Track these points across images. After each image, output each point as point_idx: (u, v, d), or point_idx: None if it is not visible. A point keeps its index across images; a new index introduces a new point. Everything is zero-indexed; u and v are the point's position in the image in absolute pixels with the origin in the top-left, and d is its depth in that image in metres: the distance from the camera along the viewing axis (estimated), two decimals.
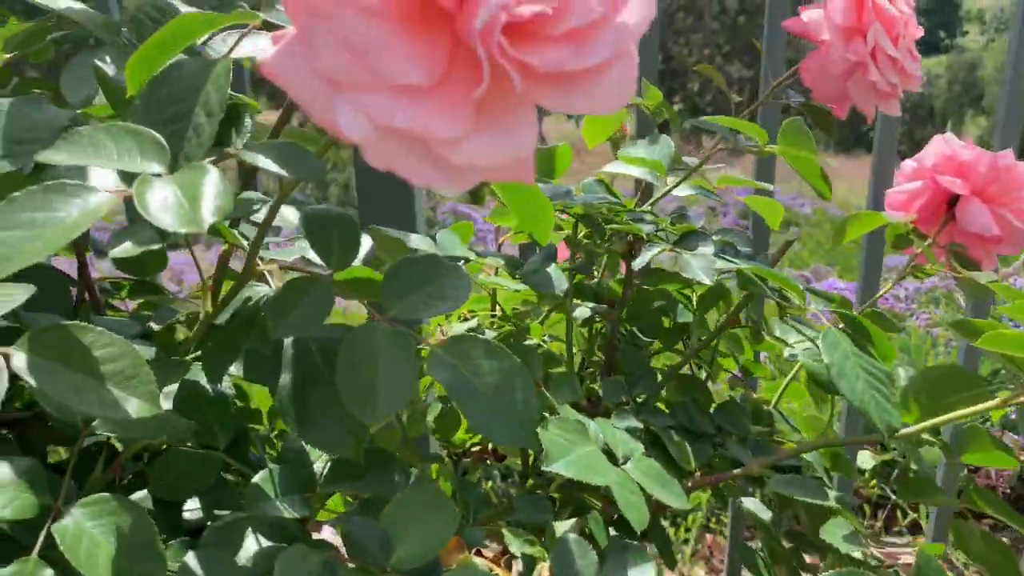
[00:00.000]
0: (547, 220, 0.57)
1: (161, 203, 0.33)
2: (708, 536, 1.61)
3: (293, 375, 0.44)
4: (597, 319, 0.75)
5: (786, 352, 0.71)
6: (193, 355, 0.49)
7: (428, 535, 0.42)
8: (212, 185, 0.34)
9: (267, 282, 0.47)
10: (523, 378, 0.42)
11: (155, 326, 0.56)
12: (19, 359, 0.34)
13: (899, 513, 1.69)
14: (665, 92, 0.76)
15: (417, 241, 0.60)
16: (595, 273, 0.72)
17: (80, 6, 0.56)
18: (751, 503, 0.64)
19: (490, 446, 0.86)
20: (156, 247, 0.48)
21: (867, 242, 1.08)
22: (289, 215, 0.49)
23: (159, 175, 0.35)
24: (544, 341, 0.76)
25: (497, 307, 0.77)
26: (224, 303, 0.46)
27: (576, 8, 0.28)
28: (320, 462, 0.51)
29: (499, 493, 0.79)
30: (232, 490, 0.52)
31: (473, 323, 0.73)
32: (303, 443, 0.49)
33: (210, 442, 0.49)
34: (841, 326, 0.57)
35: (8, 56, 0.61)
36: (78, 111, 0.47)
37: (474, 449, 0.85)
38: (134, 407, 0.35)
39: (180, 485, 0.47)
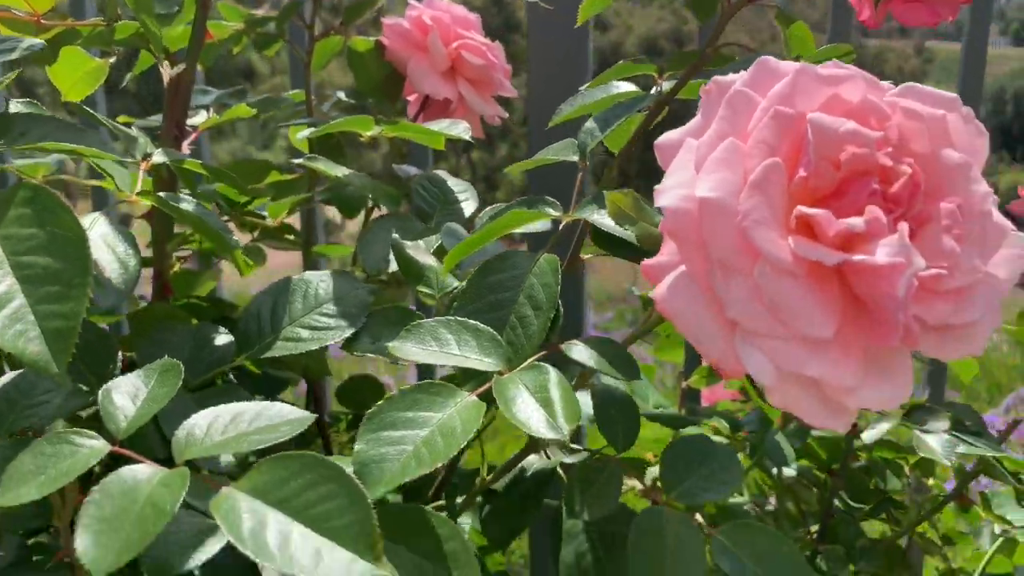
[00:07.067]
0: None
1: (523, 407, 0.35)
2: None
3: (575, 551, 0.45)
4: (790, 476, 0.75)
5: (997, 528, 0.70)
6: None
7: None
8: (557, 389, 0.37)
9: (544, 454, 0.49)
10: (803, 568, 0.43)
11: None
12: None
13: None
14: None
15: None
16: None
17: (360, 175, 0.61)
18: None
19: None
20: None
21: None
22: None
23: (500, 372, 0.38)
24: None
25: None
26: (502, 472, 0.49)
27: (963, 266, 0.30)
28: None
29: None
30: None
31: None
32: None
33: None
34: None
35: (284, 216, 0.66)
36: (373, 286, 0.51)
37: None
38: None
39: None
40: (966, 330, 0.30)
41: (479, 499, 0.54)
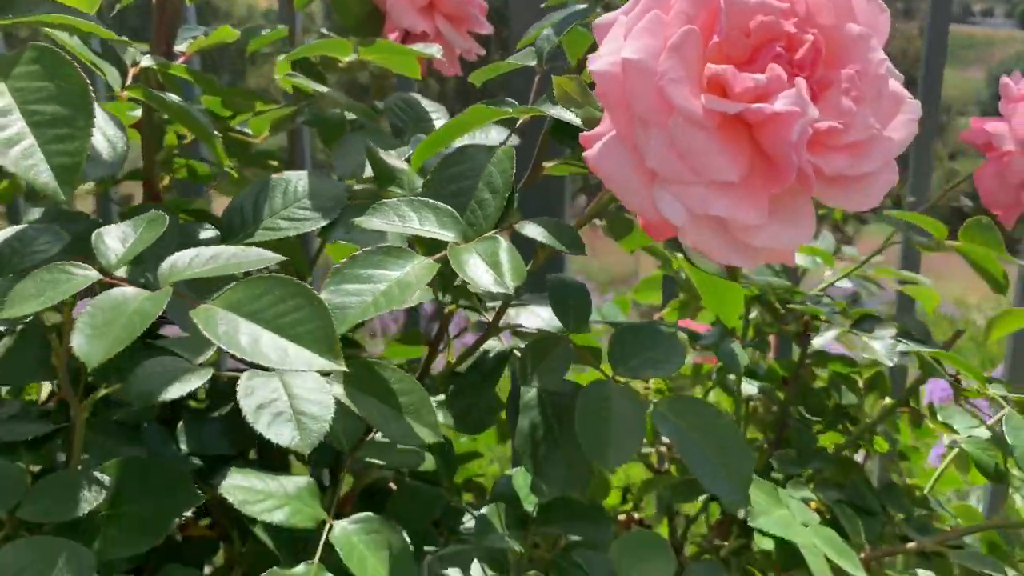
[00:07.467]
0: (737, 305, 0.63)
1: (474, 267, 0.39)
2: None
3: (530, 422, 0.49)
4: (757, 396, 0.79)
5: (946, 439, 0.74)
6: None
7: (651, 571, 0.47)
8: (506, 254, 0.41)
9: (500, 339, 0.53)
10: (739, 439, 0.47)
11: None
12: (338, 389, 0.40)
13: None
14: None
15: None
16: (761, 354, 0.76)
17: (339, 93, 0.64)
18: None
19: (636, 515, 0.90)
20: None
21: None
22: None
23: (457, 243, 0.42)
24: None
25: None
26: (465, 356, 0.53)
27: (858, 124, 0.33)
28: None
29: None
30: None
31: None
32: (514, 486, 0.55)
33: (435, 479, 0.55)
34: None
35: (266, 134, 0.70)
36: (347, 184, 0.55)
37: (621, 518, 0.90)
38: (423, 435, 0.41)
39: (414, 515, 0.53)
40: (863, 181, 0.34)
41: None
